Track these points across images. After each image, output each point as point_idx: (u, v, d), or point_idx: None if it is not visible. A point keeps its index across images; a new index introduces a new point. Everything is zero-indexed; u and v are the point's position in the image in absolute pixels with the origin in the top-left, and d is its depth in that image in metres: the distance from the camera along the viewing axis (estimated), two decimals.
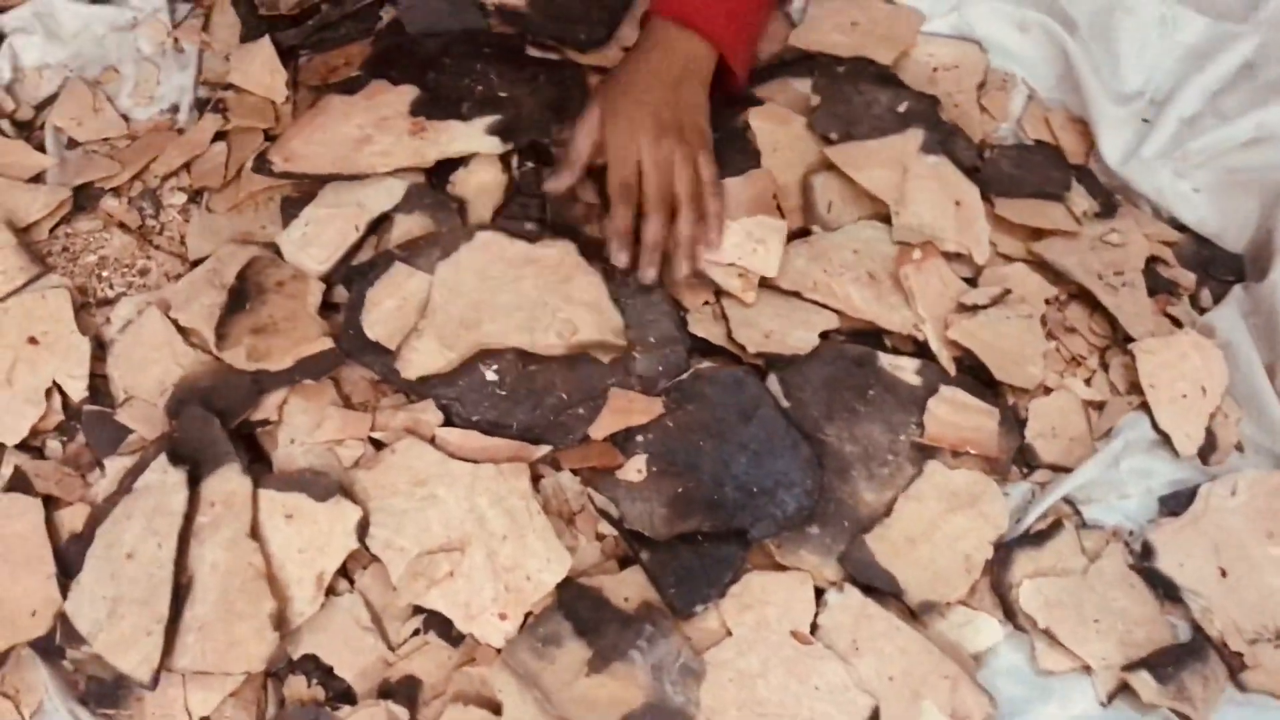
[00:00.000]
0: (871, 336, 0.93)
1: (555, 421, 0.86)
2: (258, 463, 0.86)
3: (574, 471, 0.85)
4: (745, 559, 0.82)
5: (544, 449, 0.84)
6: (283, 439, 0.86)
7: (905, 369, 0.90)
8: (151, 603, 0.78)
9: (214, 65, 1.09)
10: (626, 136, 0.89)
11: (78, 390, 0.89)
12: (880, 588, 0.82)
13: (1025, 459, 0.89)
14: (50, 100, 1.08)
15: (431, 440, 0.85)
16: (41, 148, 1.04)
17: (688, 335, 0.90)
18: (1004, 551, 0.84)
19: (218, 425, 0.85)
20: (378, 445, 0.86)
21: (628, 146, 0.89)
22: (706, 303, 0.92)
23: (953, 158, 0.99)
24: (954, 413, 0.88)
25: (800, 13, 1.11)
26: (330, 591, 0.81)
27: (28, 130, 1.06)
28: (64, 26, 1.11)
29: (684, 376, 0.87)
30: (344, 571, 0.82)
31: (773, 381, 0.88)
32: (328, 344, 0.88)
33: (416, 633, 0.81)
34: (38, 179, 1.02)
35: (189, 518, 0.81)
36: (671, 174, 0.89)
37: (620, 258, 0.89)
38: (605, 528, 0.83)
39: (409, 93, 1.01)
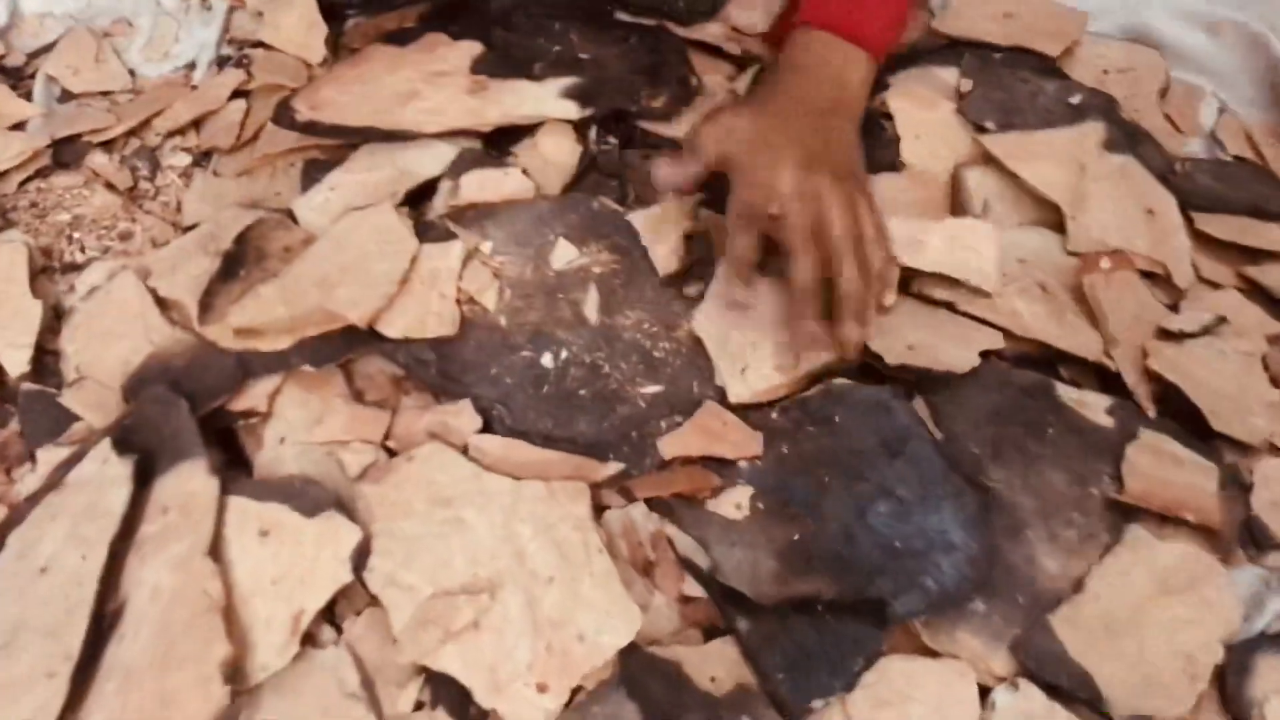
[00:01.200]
0: (1042, 363, 0.71)
1: (630, 436, 0.65)
2: (233, 464, 0.66)
3: (650, 505, 0.64)
4: (883, 640, 0.59)
5: (613, 467, 0.64)
6: (270, 436, 0.66)
7: (1092, 406, 0.69)
8: (61, 634, 0.57)
9: (244, 24, 0.94)
10: (766, 159, 0.67)
11: (17, 364, 0.71)
12: (1069, 690, 0.59)
13: (1253, 535, 0.67)
14: (48, 49, 0.92)
15: (464, 450, 0.65)
16: (30, 98, 0.87)
17: None
18: (1240, 655, 0.61)
19: (185, 409, 0.65)
20: (392, 454, 0.66)
21: (766, 170, 0.67)
22: None
23: (1142, 161, 0.79)
24: (1160, 466, 0.66)
25: (941, 6, 0.94)
26: (309, 640, 0.59)
27: (15, 78, 0.90)
28: None
29: (810, 392, 0.67)
30: (330, 614, 0.61)
31: (920, 407, 0.67)
32: (340, 322, 0.68)
33: (420, 706, 0.58)
34: (19, 129, 0.85)
35: (129, 524, 0.61)
36: (821, 210, 0.66)
37: (734, 292, 0.70)
38: (691, 585, 0.62)
39: (471, 49, 0.84)
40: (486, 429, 0.66)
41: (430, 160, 0.78)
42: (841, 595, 0.59)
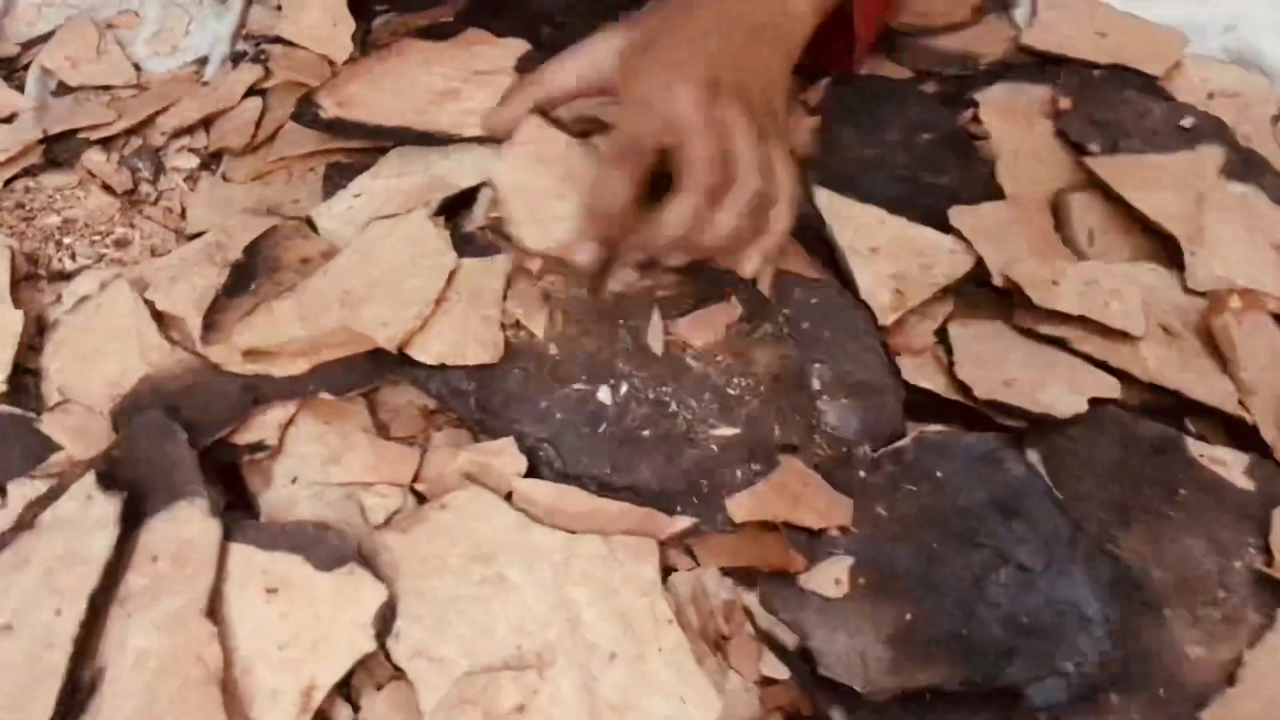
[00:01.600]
0: (1165, 414, 0.63)
1: (699, 486, 0.56)
2: (237, 506, 0.57)
3: (724, 571, 0.55)
4: None
5: (682, 522, 0.54)
6: (280, 474, 0.57)
7: (1229, 464, 0.60)
8: (26, 706, 0.48)
9: (262, 18, 0.86)
10: (663, 78, 0.56)
11: None
12: None
13: None
14: (44, 39, 0.83)
15: (507, 497, 0.55)
16: (22, 90, 0.79)
17: (902, 383, 0.61)
18: None
19: (183, 440, 0.56)
20: (422, 499, 0.57)
21: (662, 91, 0.56)
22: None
23: (1266, 192, 0.71)
24: None
25: (1027, 20, 0.86)
26: (321, 719, 0.49)
27: (8, 69, 0.82)
28: None
29: (903, 443, 0.58)
30: (346, 688, 0.51)
31: (1031, 456, 0.58)
32: (366, 345, 0.59)
33: None
34: (8, 122, 0.77)
35: (112, 574, 0.52)
36: (728, 145, 0.56)
37: (583, 247, 0.59)
38: (772, 663, 0.52)
39: (517, 46, 0.76)
40: (532, 472, 0.57)
41: (470, 166, 0.70)
42: (967, 684, 0.50)
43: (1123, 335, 0.63)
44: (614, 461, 0.57)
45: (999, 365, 0.62)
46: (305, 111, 0.70)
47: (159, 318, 0.64)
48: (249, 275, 0.64)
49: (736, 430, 0.58)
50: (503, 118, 0.67)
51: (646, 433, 0.58)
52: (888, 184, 0.71)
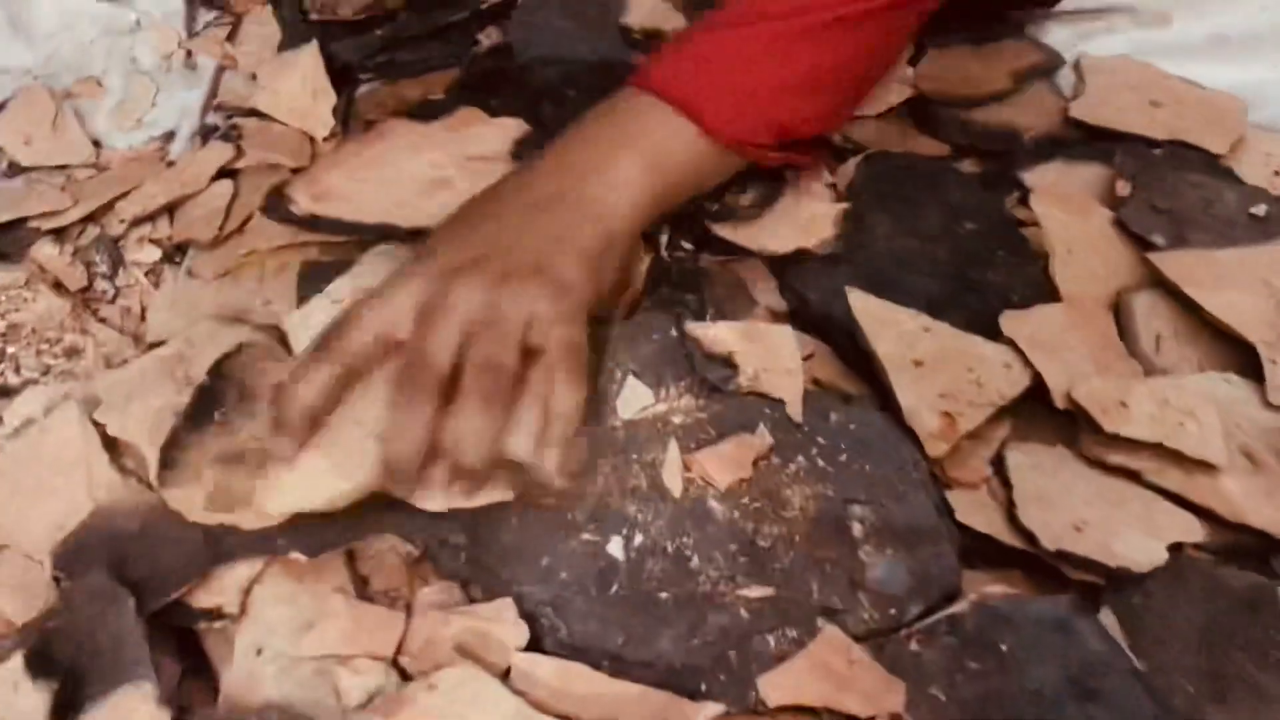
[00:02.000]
0: (1251, 555, 0.55)
1: (727, 659, 0.49)
2: (192, 678, 0.49)
3: None
4: None
5: (710, 710, 0.47)
6: (244, 645, 0.50)
7: None
8: None
9: (236, 87, 0.79)
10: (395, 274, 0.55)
11: None
12: None
13: None
14: None
15: (504, 674, 0.48)
16: None
17: (956, 527, 0.53)
18: None
19: (130, 610, 0.48)
20: (405, 675, 0.49)
21: (401, 275, 0.54)
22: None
23: None
24: None
25: (1072, 87, 0.79)
26: None
27: None
28: (38, 22, 0.82)
29: (961, 608, 0.50)
30: None
31: (1106, 619, 0.51)
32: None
33: None
34: None
35: None
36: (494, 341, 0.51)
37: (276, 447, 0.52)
38: None
39: (513, 128, 0.69)
40: (534, 643, 0.49)
41: None
42: None
43: (1202, 465, 0.56)
44: (628, 631, 0.49)
45: (1065, 504, 0.54)
46: (278, 206, 0.63)
47: (111, 445, 0.57)
48: (214, 402, 0.57)
49: (768, 590, 0.50)
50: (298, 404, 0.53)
51: (665, 594, 0.50)
52: (929, 282, 0.64)
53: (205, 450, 0.54)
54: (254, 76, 0.78)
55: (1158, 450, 0.56)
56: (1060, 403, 0.57)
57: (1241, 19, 0.84)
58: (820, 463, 0.55)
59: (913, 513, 0.53)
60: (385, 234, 0.63)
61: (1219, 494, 0.56)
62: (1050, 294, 0.64)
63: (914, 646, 0.49)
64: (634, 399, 0.56)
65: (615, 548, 0.52)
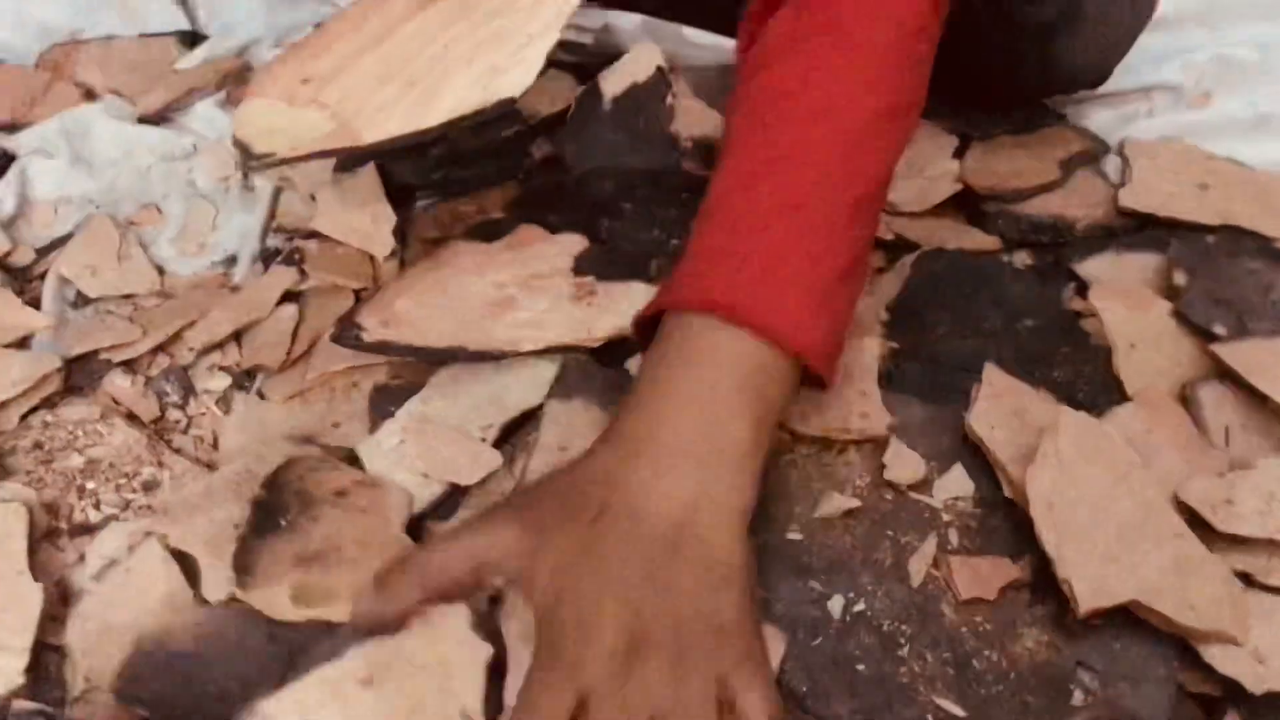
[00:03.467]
0: None
1: None
2: None
3: None
4: None
5: None
6: None
7: None
8: None
9: (294, 208, 0.81)
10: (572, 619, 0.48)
11: (11, 674, 0.55)
12: None
13: None
14: (62, 242, 0.79)
15: None
16: (38, 305, 0.74)
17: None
18: None
19: None
20: None
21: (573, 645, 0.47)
22: None
23: None
24: None
25: (1118, 173, 0.81)
26: None
27: (23, 280, 0.77)
28: (99, 152, 0.84)
29: None
30: None
31: None
32: None
33: None
34: (22, 345, 0.71)
35: None
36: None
37: None
38: None
39: (573, 243, 0.71)
40: None
41: (530, 384, 0.64)
42: None
43: None
44: (814, 683, 0.50)
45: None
46: (347, 333, 0.65)
47: (190, 571, 0.58)
48: (277, 510, 0.58)
49: (962, 711, 0.50)
50: (380, 611, 0.51)
51: (862, 667, 0.51)
52: None
53: (279, 553, 0.56)
54: (312, 197, 0.80)
55: (1269, 545, 0.56)
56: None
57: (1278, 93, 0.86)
58: (1068, 617, 0.53)
59: (1145, 706, 0.51)
60: (453, 357, 0.65)
61: None
62: (1117, 389, 0.65)
63: None
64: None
65: (835, 605, 0.53)
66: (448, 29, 0.67)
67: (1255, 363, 0.64)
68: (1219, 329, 0.67)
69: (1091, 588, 0.51)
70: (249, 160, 0.64)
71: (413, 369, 0.67)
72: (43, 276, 0.77)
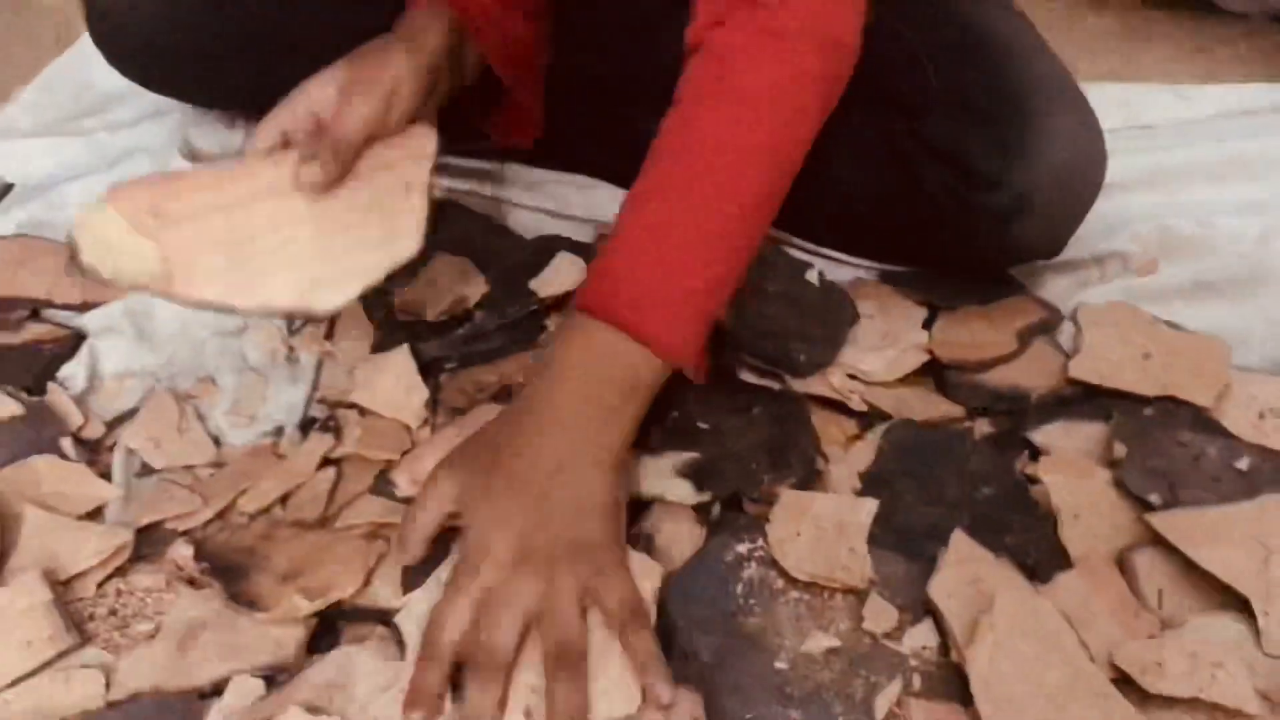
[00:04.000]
0: None
1: None
2: None
3: None
4: None
5: None
6: None
7: None
8: None
9: (336, 379, 0.91)
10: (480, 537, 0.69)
11: None
12: None
13: None
14: (128, 416, 0.88)
15: None
16: (108, 475, 0.83)
17: None
18: None
19: None
20: None
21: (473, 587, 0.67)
22: None
23: None
24: None
25: (1072, 340, 0.90)
26: None
27: (94, 451, 0.86)
28: (159, 329, 0.94)
29: None
30: None
31: None
32: None
33: None
34: (95, 514, 0.81)
35: None
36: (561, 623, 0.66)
37: None
38: None
39: None
40: None
41: None
42: None
43: (1236, 713, 0.63)
44: None
45: None
46: (383, 489, 0.76)
47: None
48: None
49: None
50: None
51: None
52: None
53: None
54: (352, 371, 0.89)
55: (1193, 704, 0.64)
56: (1106, 672, 0.65)
57: (1220, 265, 0.96)
58: None
59: None
60: None
61: None
62: (1062, 555, 0.73)
63: None
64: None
65: None
66: (295, 226, 0.75)
67: (1185, 533, 0.72)
68: (1154, 498, 0.75)
69: None
70: (73, 260, 0.70)
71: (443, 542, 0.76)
72: (111, 448, 0.86)
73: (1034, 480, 0.79)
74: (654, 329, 0.72)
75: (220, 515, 0.81)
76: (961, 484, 0.78)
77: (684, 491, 0.76)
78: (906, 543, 0.74)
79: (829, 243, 0.98)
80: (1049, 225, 0.89)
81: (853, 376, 0.87)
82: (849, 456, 0.81)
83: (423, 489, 0.73)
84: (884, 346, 0.88)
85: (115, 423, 0.89)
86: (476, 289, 0.93)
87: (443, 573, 0.72)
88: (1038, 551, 0.73)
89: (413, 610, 0.71)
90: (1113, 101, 1.13)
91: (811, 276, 0.92)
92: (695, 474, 0.77)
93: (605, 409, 0.72)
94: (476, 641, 0.65)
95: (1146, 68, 1.25)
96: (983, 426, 0.84)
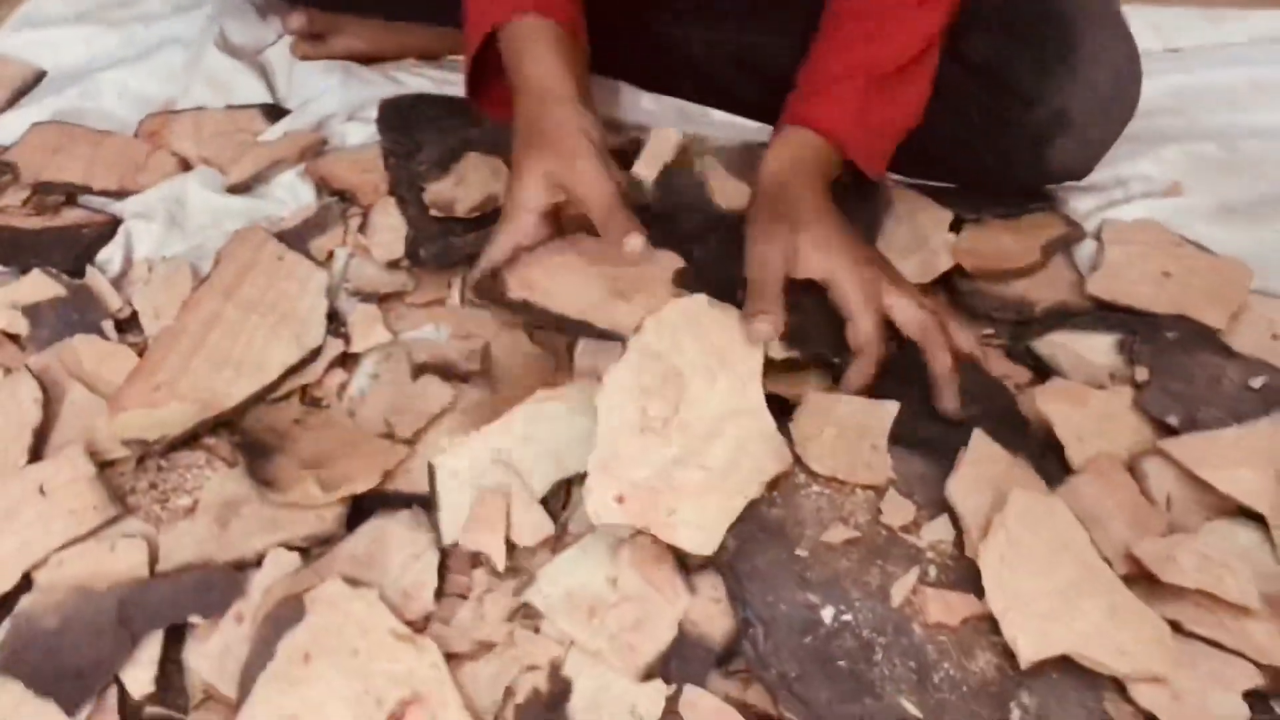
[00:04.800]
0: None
1: None
2: None
3: None
4: None
5: None
6: None
7: None
8: None
9: (364, 272, 0.91)
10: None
11: (141, 683, 0.65)
12: None
13: None
14: None
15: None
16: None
17: None
18: None
19: None
20: None
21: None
22: None
23: None
24: None
25: (1092, 258, 0.91)
26: None
27: (128, 333, 0.87)
28: (191, 216, 0.95)
29: None
30: None
31: None
32: None
33: None
34: None
35: None
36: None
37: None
38: None
39: (671, 260, 0.83)
40: (736, 638, 0.65)
41: None
42: None
43: (1238, 609, 0.65)
44: (803, 669, 0.62)
45: None
46: (494, 287, 0.79)
47: None
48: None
49: (919, 713, 0.61)
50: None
51: (843, 664, 0.62)
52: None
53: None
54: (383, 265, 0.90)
55: (1198, 597, 0.66)
56: (1120, 567, 0.67)
57: (1244, 188, 0.96)
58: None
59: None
60: (583, 330, 0.78)
61: (1249, 639, 0.65)
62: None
63: None
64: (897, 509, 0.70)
65: (827, 614, 0.64)
66: (245, 323, 0.82)
67: (1200, 456, 0.73)
68: (1172, 420, 0.76)
69: (1032, 643, 0.62)
70: (147, 448, 0.75)
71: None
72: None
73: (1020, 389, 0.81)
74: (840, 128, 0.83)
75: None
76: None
77: (776, 347, 0.77)
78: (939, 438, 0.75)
79: None
80: (1084, 145, 0.90)
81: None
82: None
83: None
84: (914, 249, 0.90)
85: None
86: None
87: None
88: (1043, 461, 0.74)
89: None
90: (1145, 24, 1.13)
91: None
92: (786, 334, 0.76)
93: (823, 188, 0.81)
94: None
95: None
96: (988, 333, 0.86)
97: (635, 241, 0.73)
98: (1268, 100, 1.05)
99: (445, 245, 0.89)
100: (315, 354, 0.82)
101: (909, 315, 0.76)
